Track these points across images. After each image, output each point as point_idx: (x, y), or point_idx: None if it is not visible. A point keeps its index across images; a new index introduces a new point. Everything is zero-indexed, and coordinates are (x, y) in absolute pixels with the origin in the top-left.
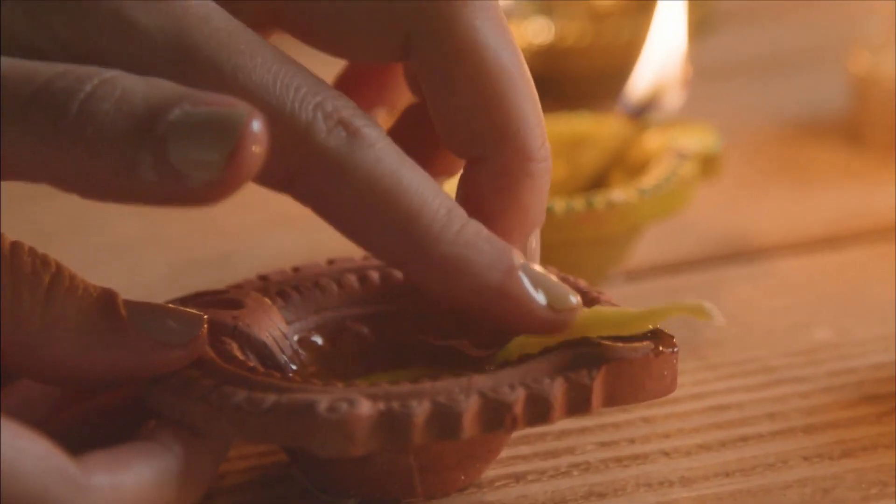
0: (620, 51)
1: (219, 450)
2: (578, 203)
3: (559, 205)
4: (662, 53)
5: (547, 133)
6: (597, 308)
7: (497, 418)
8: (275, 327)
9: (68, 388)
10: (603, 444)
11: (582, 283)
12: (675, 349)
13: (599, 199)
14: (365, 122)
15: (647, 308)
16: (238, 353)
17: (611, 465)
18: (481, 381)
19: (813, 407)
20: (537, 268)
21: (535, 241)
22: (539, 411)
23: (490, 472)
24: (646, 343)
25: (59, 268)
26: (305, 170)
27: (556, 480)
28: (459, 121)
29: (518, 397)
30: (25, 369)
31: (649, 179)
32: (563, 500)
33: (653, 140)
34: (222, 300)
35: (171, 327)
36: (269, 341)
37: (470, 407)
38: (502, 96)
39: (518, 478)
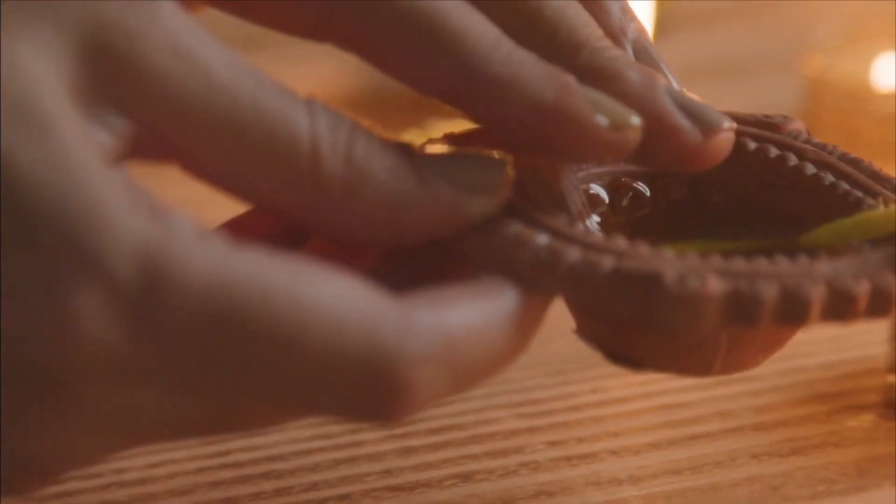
0: None
1: (546, 304)
2: None
3: None
4: None
5: None
6: None
7: (841, 309)
8: (566, 176)
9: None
10: (552, 444)
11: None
12: None
13: None
14: None
15: None
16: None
17: (560, 464)
18: (823, 267)
19: (763, 405)
20: (593, 90)
21: (643, 41)
22: (881, 305)
23: (438, 472)
24: None
25: (355, 123)
26: (339, 7)
27: (505, 479)
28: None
29: (864, 290)
30: (326, 229)
31: None
32: (513, 499)
33: None
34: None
35: (476, 173)
36: (567, 190)
37: (817, 295)
38: None
39: (467, 477)
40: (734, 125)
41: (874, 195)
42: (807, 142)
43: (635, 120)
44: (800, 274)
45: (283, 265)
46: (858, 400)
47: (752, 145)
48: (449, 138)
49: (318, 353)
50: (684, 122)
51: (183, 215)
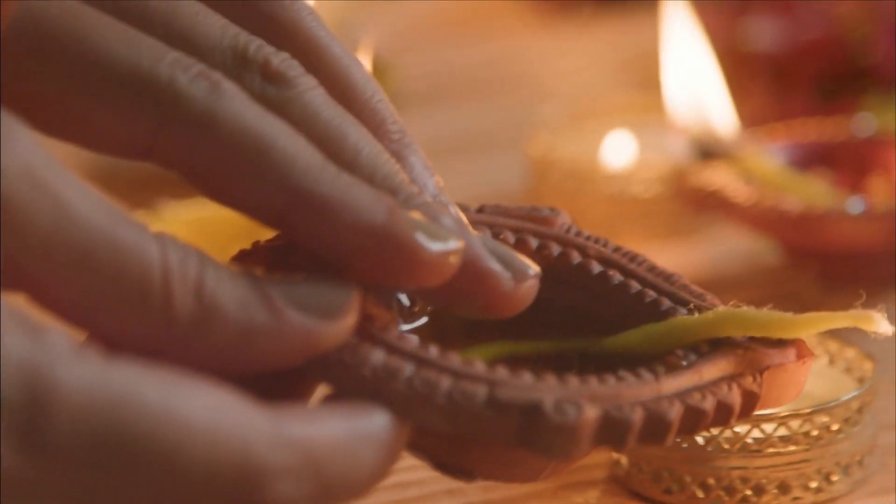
0: None
1: (408, 431)
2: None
3: None
4: None
5: (231, 215)
6: (739, 308)
7: (693, 425)
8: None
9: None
10: None
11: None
12: (813, 355)
13: None
14: (220, 75)
15: (805, 315)
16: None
17: None
18: (671, 384)
19: (491, 484)
20: (414, 213)
21: (441, 197)
22: (723, 417)
23: None
24: (790, 348)
25: (203, 254)
26: (167, 129)
27: None
28: None
29: (711, 405)
30: (176, 360)
31: None
32: None
33: None
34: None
35: (325, 298)
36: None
37: (676, 415)
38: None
39: None
40: (539, 271)
41: (670, 296)
42: (579, 234)
43: (459, 243)
44: (656, 394)
45: (158, 379)
46: (586, 476)
47: (535, 242)
48: (266, 251)
49: (196, 467)
50: (498, 268)
51: (57, 331)
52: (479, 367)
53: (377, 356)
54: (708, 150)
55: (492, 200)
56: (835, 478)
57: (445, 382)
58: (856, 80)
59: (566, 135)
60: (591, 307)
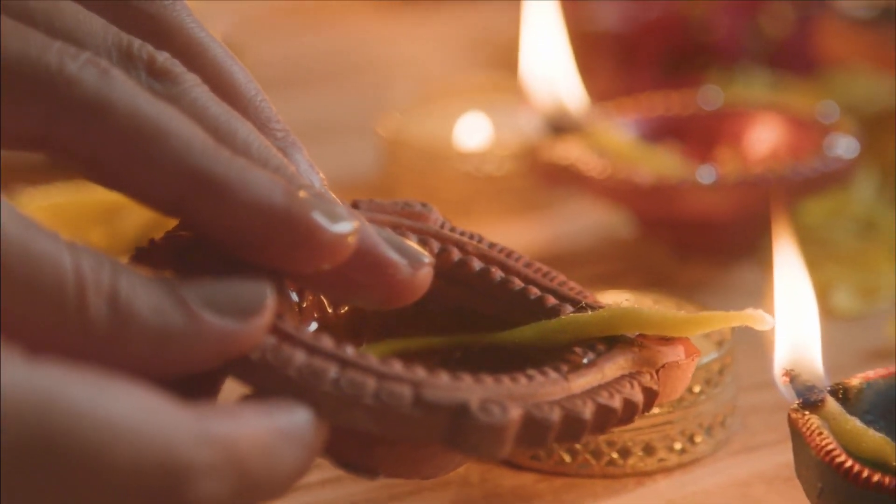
0: None
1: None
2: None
3: None
4: None
5: (85, 201)
6: (633, 307)
7: (603, 423)
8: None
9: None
10: None
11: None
12: (699, 352)
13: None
14: (108, 63)
15: (698, 314)
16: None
17: None
18: (579, 383)
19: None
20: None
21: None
22: (629, 415)
23: None
24: (678, 345)
25: (115, 261)
26: (60, 117)
27: None
28: None
29: (619, 403)
30: (95, 365)
31: None
32: None
33: None
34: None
35: (241, 298)
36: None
37: (589, 413)
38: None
39: None
40: (433, 259)
41: (553, 293)
42: (453, 230)
43: (354, 224)
44: (567, 393)
45: (82, 379)
46: None
47: (413, 238)
48: (164, 249)
49: (121, 466)
50: (396, 256)
51: None
52: (399, 366)
53: (299, 357)
54: (560, 126)
55: (346, 184)
56: (698, 439)
57: (371, 383)
58: (697, 56)
59: (417, 116)
60: (474, 304)
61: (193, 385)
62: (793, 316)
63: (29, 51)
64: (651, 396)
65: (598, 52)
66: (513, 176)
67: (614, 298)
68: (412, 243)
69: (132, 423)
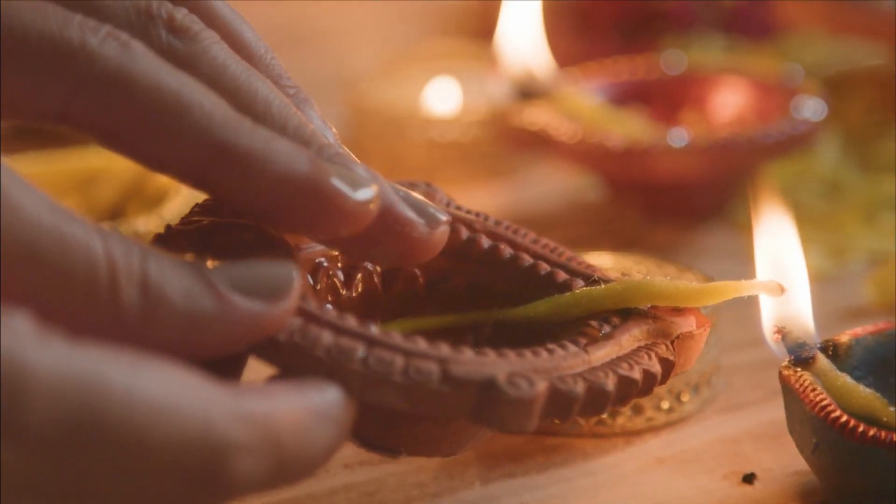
0: None
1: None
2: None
3: None
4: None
5: (60, 170)
6: (646, 279)
7: (625, 394)
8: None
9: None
10: None
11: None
12: (710, 322)
13: (124, 230)
14: (128, 35)
15: (710, 284)
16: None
17: None
18: (598, 355)
19: None
20: (335, 164)
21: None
22: (649, 386)
23: None
24: (690, 316)
25: (144, 247)
26: (83, 91)
27: None
28: None
29: (639, 374)
30: (128, 348)
31: (170, 208)
32: None
33: None
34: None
35: (268, 280)
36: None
37: (612, 385)
38: None
39: None
40: (450, 217)
41: (563, 268)
42: (459, 209)
43: (374, 189)
44: (588, 366)
45: (121, 360)
46: None
47: None
48: (184, 235)
49: (162, 444)
50: (413, 215)
51: (19, 315)
52: (423, 343)
53: (327, 337)
54: (528, 91)
55: None
56: (685, 397)
57: (399, 361)
58: (653, 22)
59: (382, 83)
60: (484, 281)
61: (218, 367)
62: (779, 274)
63: (50, 27)
64: (668, 367)
65: (555, 18)
66: (479, 142)
67: (597, 261)
68: (429, 203)
69: (172, 402)
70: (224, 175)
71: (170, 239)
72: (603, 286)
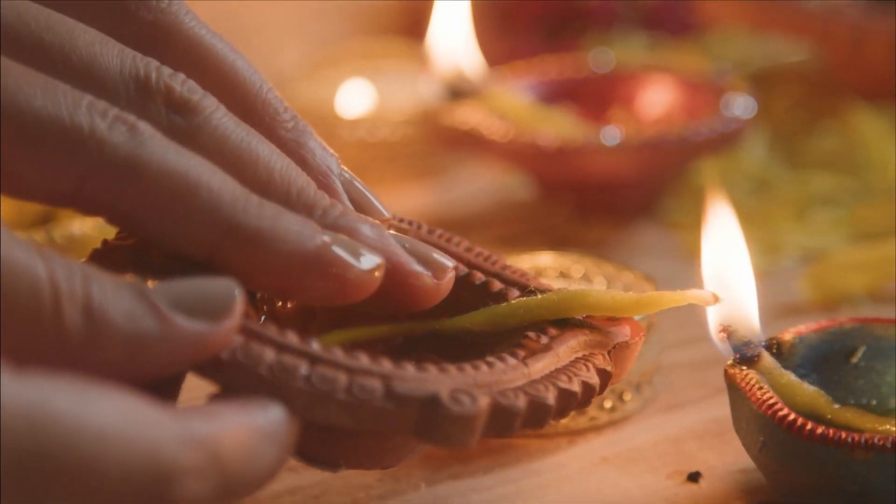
0: None
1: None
2: (38, 236)
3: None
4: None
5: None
6: (581, 289)
7: (565, 407)
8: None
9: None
10: None
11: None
12: (645, 331)
13: (58, 234)
14: (135, 117)
15: (646, 295)
16: None
17: None
18: (537, 368)
19: None
20: (342, 237)
21: (344, 174)
22: (588, 397)
23: None
24: (625, 325)
25: (86, 269)
26: (92, 176)
27: None
28: None
29: (578, 387)
30: (72, 372)
31: None
32: None
33: None
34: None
35: (210, 300)
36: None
37: (553, 399)
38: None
39: None
40: (457, 264)
41: (497, 277)
42: (392, 218)
43: (381, 259)
44: (528, 379)
45: (68, 389)
46: None
47: None
48: (121, 250)
49: (111, 471)
50: (419, 269)
51: None
52: (366, 360)
53: (269, 354)
54: (458, 90)
55: None
56: (627, 396)
57: (342, 378)
58: (575, 20)
59: (307, 83)
60: None
61: (157, 385)
62: (724, 273)
63: (60, 112)
64: (606, 378)
65: (479, 17)
66: (409, 141)
67: (537, 261)
68: (435, 251)
69: (120, 429)
70: (234, 255)
71: (107, 255)
72: (539, 296)
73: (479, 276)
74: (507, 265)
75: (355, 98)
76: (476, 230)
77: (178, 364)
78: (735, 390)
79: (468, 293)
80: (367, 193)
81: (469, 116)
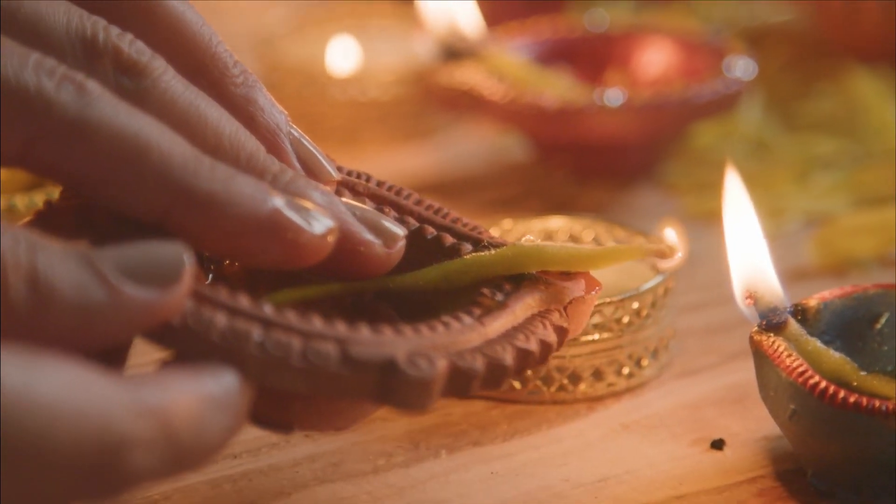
0: None
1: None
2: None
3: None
4: None
5: None
6: (536, 244)
7: (522, 366)
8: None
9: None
10: None
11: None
12: (601, 285)
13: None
14: (83, 76)
15: (602, 248)
16: None
17: None
18: (495, 328)
19: None
20: (295, 201)
21: (293, 131)
22: (545, 355)
23: None
24: (580, 279)
25: (31, 238)
26: (40, 139)
27: None
28: None
29: (535, 345)
30: (21, 342)
31: None
32: None
33: None
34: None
35: (160, 265)
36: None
37: (510, 359)
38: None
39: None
40: (407, 232)
41: (449, 231)
42: (340, 170)
43: (333, 223)
44: (484, 339)
45: (16, 361)
46: None
47: None
48: (64, 211)
49: (62, 444)
50: (370, 237)
51: None
52: (320, 323)
53: (221, 319)
54: (455, 51)
55: None
56: (644, 362)
57: (296, 343)
58: None
59: (296, 42)
60: None
61: (105, 353)
62: (744, 239)
63: (6, 70)
64: (562, 335)
65: None
66: (401, 101)
67: (549, 226)
68: (386, 219)
69: (70, 400)
70: (186, 218)
71: (51, 216)
72: (493, 252)
73: (431, 231)
74: (458, 218)
75: (342, 57)
76: (471, 192)
77: (128, 332)
78: (762, 357)
79: (419, 248)
80: (315, 152)
81: (468, 76)
